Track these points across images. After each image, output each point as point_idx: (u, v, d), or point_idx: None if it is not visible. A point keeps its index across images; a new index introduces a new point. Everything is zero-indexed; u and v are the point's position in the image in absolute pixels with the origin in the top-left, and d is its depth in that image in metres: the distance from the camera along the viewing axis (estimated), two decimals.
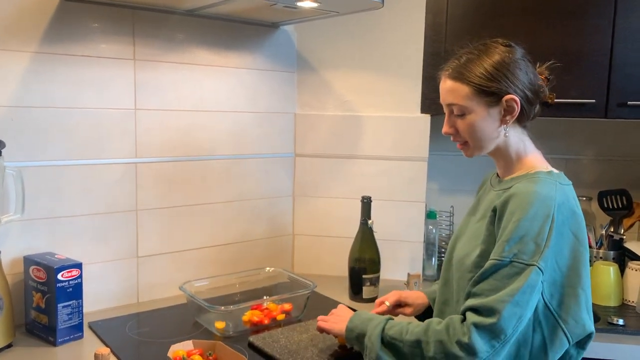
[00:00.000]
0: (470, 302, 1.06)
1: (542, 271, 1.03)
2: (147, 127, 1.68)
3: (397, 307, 1.43)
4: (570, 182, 1.17)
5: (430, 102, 1.85)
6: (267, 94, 1.95)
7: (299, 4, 1.51)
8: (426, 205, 2.00)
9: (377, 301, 1.44)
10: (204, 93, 1.79)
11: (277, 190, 2.03)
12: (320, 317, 1.34)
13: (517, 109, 1.14)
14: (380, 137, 1.97)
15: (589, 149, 2.13)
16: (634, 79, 1.70)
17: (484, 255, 1.10)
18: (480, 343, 1.01)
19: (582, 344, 1.12)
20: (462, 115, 1.16)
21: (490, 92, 1.13)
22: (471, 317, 1.04)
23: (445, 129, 1.21)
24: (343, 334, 1.24)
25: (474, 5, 1.77)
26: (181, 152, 1.76)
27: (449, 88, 1.17)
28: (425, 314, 1.43)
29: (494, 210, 1.12)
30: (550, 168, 1.18)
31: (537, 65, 1.21)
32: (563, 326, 1.07)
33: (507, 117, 1.15)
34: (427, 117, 1.92)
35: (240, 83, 1.87)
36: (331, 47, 1.98)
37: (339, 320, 1.28)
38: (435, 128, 1.95)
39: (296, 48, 2.01)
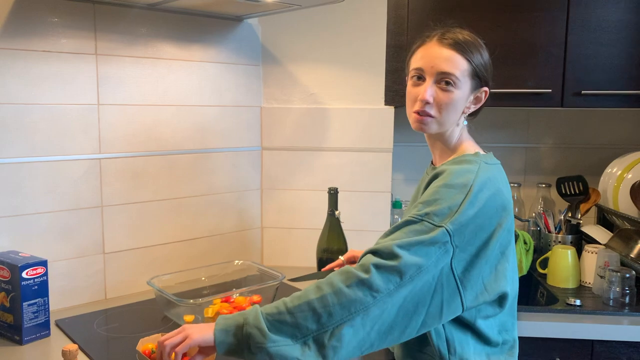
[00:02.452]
0: (372, 247, 1.06)
1: (449, 233, 1.04)
2: (110, 123, 1.67)
3: (351, 263, 1.50)
4: (499, 162, 1.19)
5: (394, 94, 1.88)
6: (232, 87, 1.95)
7: None
8: (392, 195, 2.03)
9: (329, 266, 1.53)
10: (168, 87, 1.78)
11: (245, 184, 2.04)
12: (161, 339, 1.06)
13: (482, 102, 1.19)
14: (346, 129, 2.00)
15: (547, 137, 2.21)
16: (588, 69, 1.76)
17: None
18: (378, 281, 1.00)
19: (495, 304, 1.14)
20: (449, 87, 1.14)
21: (479, 77, 1.16)
22: (370, 259, 1.03)
23: (424, 95, 1.14)
24: (210, 341, 1.02)
25: None
26: (146, 147, 1.75)
27: (446, 56, 1.14)
28: None
29: (422, 192, 1.14)
30: (477, 150, 1.20)
31: None
32: (461, 292, 1.07)
33: (472, 106, 1.19)
34: (391, 109, 1.95)
35: (205, 77, 1.87)
36: (296, 40, 2.00)
37: (196, 330, 1.04)
38: (399, 119, 1.98)
39: (261, 41, 2.01)
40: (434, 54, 1.14)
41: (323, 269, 1.57)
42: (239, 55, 1.95)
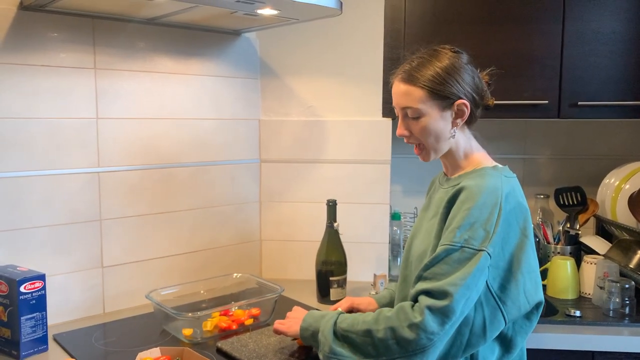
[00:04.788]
0: (422, 285, 1.11)
1: (490, 256, 1.09)
2: (109, 136, 1.67)
3: (350, 312, 1.46)
4: (515, 175, 1.23)
5: (391, 107, 1.86)
6: (230, 100, 1.96)
7: (259, 11, 1.53)
8: (390, 206, 2.03)
9: (331, 308, 1.47)
10: (166, 101, 1.79)
11: (244, 197, 2.04)
12: (277, 321, 1.37)
13: (467, 113, 1.20)
14: (344, 142, 2.00)
15: (544, 148, 2.21)
16: (583, 81, 1.77)
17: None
18: (432, 325, 1.06)
19: (529, 315, 1.18)
20: (416, 118, 1.21)
21: (443, 95, 1.18)
22: (424, 300, 1.08)
23: (399, 131, 1.25)
24: (298, 335, 1.27)
25: (430, 12, 1.82)
26: (145, 161, 1.76)
27: (403, 92, 1.21)
28: None
29: (446, 207, 1.17)
30: (494, 163, 1.25)
31: (478, 70, 1.27)
32: (502, 307, 1.12)
33: (458, 120, 1.21)
34: (388, 121, 1.96)
35: (203, 90, 1.88)
36: (293, 53, 2.01)
37: (294, 322, 1.31)
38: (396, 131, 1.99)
39: (259, 55, 2.02)
40: (395, 92, 1.24)
41: None
42: (237, 68, 1.96)
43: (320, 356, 1.19)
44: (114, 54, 1.66)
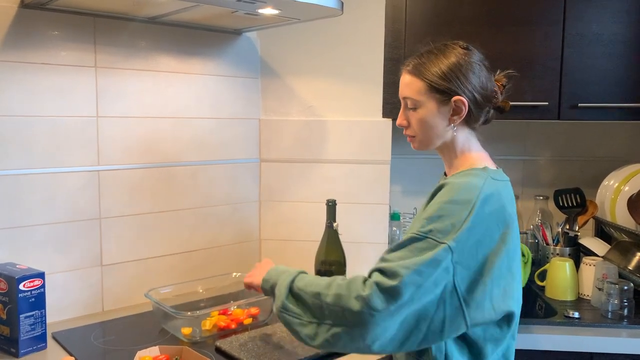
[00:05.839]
0: (379, 264, 1.11)
1: (452, 250, 1.06)
2: (109, 135, 1.67)
3: None
4: (508, 179, 1.21)
5: (392, 107, 1.89)
6: (231, 100, 1.96)
7: (260, 11, 1.54)
8: (390, 207, 2.04)
9: None
10: (167, 100, 1.79)
11: (243, 196, 2.04)
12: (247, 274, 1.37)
13: (465, 111, 1.18)
14: (344, 142, 2.00)
15: (544, 150, 2.21)
16: (584, 82, 1.78)
17: None
18: (377, 301, 1.06)
19: (500, 324, 1.15)
20: (414, 108, 1.21)
21: (440, 90, 1.18)
22: (376, 276, 1.09)
23: (399, 120, 1.27)
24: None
25: (431, 13, 1.82)
26: (145, 159, 1.76)
27: (406, 82, 1.22)
28: None
29: (428, 202, 1.17)
30: (486, 164, 1.21)
31: (497, 72, 1.26)
32: (464, 309, 1.09)
33: (455, 117, 1.19)
34: (388, 121, 1.96)
35: (203, 89, 1.88)
36: (294, 53, 2.01)
37: (259, 273, 1.31)
38: (396, 132, 1.99)
39: (259, 54, 2.03)
40: (401, 82, 1.25)
41: None
42: (237, 68, 1.96)
43: (274, 309, 1.21)
44: (114, 52, 1.66)
